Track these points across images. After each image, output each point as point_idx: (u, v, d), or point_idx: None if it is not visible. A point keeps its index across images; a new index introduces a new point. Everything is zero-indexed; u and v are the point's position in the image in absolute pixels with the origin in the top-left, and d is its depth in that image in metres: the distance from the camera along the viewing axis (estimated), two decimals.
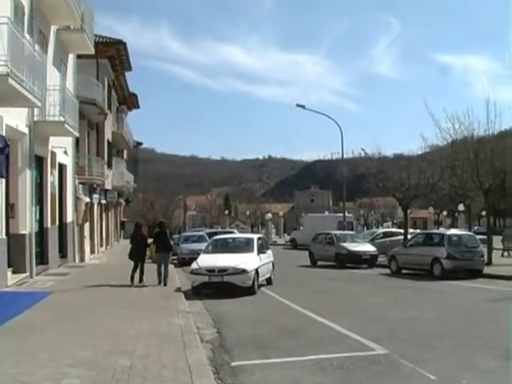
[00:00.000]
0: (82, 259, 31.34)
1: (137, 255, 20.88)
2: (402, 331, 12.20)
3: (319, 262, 33.54)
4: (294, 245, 55.64)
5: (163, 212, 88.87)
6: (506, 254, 39.06)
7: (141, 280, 20.36)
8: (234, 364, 9.30)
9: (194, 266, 19.61)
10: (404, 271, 27.27)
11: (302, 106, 45.96)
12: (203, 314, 14.91)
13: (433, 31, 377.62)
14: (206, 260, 19.89)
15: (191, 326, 12.14)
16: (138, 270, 20.65)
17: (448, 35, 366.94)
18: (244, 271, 18.78)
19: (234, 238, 25.12)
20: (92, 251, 36.05)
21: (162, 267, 20.50)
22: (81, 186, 31.58)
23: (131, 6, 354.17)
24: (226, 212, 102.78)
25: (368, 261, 31.50)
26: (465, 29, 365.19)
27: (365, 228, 79.48)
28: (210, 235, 33.72)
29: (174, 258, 32.61)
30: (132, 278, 20.15)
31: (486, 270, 25.95)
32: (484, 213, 56.05)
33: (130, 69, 47.57)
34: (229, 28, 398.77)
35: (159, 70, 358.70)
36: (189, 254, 31.16)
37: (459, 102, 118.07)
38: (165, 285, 20.01)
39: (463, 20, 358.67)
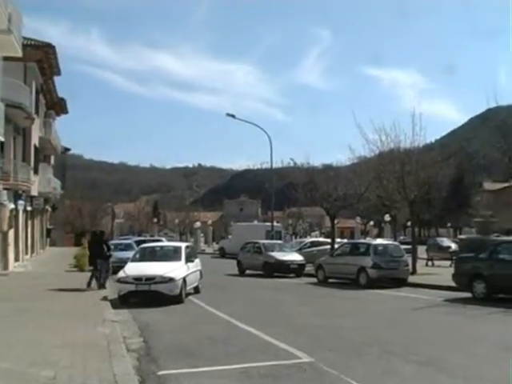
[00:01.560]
0: (5, 267, 30.54)
1: (94, 261, 22.31)
2: (328, 339, 12.36)
3: (247, 271, 33.63)
4: (222, 253, 55.59)
5: (91, 219, 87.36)
6: (429, 263, 40.07)
7: (100, 285, 21.85)
8: (160, 373, 9.22)
9: (120, 274, 19.38)
10: (331, 280, 27.56)
11: (232, 116, 46.15)
12: (130, 323, 14.75)
13: (363, 45, 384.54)
14: (133, 268, 19.67)
15: (117, 335, 12.00)
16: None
17: (377, 49, 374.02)
18: (171, 280, 18.67)
19: (161, 247, 24.95)
20: (16, 259, 35.14)
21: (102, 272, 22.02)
22: (5, 191, 30.76)
23: (62, 8, 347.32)
24: (155, 220, 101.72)
25: (296, 270, 31.70)
26: (393, 44, 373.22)
27: (293, 237, 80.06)
28: (138, 243, 33.37)
29: None
30: (89, 283, 21.63)
31: (411, 278, 26.53)
32: (409, 223, 57.24)
33: (59, 73, 46.63)
34: (162, 35, 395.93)
35: (89, 75, 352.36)
36: (116, 263, 30.72)
37: (387, 115, 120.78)
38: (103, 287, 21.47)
39: (391, 35, 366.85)
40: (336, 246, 34.14)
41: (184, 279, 19.33)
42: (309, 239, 49.88)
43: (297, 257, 32.97)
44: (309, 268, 31.70)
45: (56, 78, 48.53)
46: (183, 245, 23.28)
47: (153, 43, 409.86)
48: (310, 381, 8.78)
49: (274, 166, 50.02)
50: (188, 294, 20.22)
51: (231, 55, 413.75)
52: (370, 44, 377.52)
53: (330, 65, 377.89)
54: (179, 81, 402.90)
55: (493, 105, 27.05)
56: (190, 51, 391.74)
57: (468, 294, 20.38)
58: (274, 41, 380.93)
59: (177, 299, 18.69)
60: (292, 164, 48.59)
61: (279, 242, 40.34)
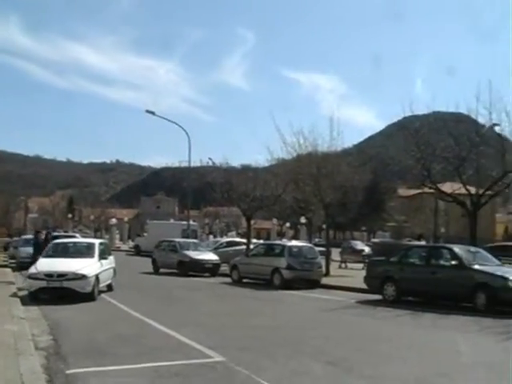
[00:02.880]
0: None
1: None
2: (240, 339, 12.42)
3: (162, 270, 33.44)
4: (137, 251, 55.17)
5: (3, 213, 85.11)
6: (343, 265, 40.84)
7: None
8: (68, 372, 9.04)
9: (31, 270, 18.91)
10: (245, 280, 27.71)
11: (152, 113, 45.80)
12: (39, 320, 14.41)
13: (285, 48, 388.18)
14: (44, 264, 19.21)
15: (25, 333, 11.72)
16: None
17: (299, 53, 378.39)
18: (84, 277, 18.35)
19: (75, 243, 24.46)
20: None
21: None
22: None
23: None
24: (70, 215, 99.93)
25: (210, 269, 31.74)
26: (315, 49, 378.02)
27: (209, 237, 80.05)
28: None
29: (13, 261, 31.40)
30: None
31: (324, 280, 26.96)
32: (324, 226, 58.12)
33: None
34: (82, 27, 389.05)
35: (5, 64, 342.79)
36: (27, 258, 30.05)
37: (306, 118, 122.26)
38: None
39: (313, 40, 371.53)
40: (252, 246, 34.35)
41: (97, 276, 19.04)
42: (225, 239, 50.01)
43: (212, 256, 32.99)
44: (224, 268, 31.76)
45: None
46: (97, 241, 22.93)
47: (72, 34, 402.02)
48: (221, 380, 8.80)
49: (193, 165, 50.17)
50: (101, 292, 19.90)
51: (154, 51, 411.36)
52: (292, 48, 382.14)
53: (253, 66, 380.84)
54: (98, 74, 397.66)
55: (408, 113, 27.74)
56: (111, 45, 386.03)
57: (379, 297, 20.87)
58: (199, 39, 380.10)
59: (89, 297, 18.38)
60: (211, 163, 48.80)
61: (195, 240, 40.27)
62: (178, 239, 36.50)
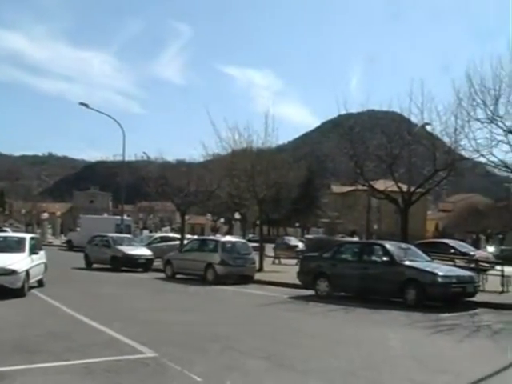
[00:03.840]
0: None
1: None
2: (173, 335, 12.36)
3: (95, 265, 33.07)
4: (70, 246, 54.27)
5: None
6: (276, 261, 40.98)
7: None
8: None
9: None
10: (179, 276, 27.63)
11: (86, 105, 45.03)
12: None
13: (221, 43, 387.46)
14: None
15: None
16: None
17: (235, 49, 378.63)
18: (13, 272, 17.91)
19: (4, 237, 23.87)
20: None
21: None
22: None
23: None
24: (0, 209, 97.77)
25: (144, 265, 31.57)
26: (249, 44, 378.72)
27: (144, 232, 79.48)
28: None
29: None
30: None
31: (257, 276, 27.11)
32: (258, 221, 58.38)
33: None
34: (11, 13, 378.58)
35: None
36: None
37: (241, 114, 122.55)
38: None
39: (249, 36, 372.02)
40: (185, 241, 34.27)
41: (27, 272, 18.62)
42: (158, 234, 49.73)
43: (145, 251, 32.82)
44: (157, 263, 31.59)
45: None
46: (27, 236, 22.41)
47: (2, 21, 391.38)
48: (153, 376, 8.74)
49: (128, 159, 49.52)
50: (31, 288, 19.51)
51: (89, 42, 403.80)
52: (228, 43, 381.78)
53: (189, 60, 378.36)
54: (30, 64, 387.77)
55: (343, 111, 28.11)
56: (44, 33, 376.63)
57: (312, 292, 21.09)
58: (135, 31, 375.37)
59: (19, 292, 17.94)
60: (145, 158, 48.38)
61: (128, 236, 39.88)
62: (111, 234, 36.11)
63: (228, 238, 35.21)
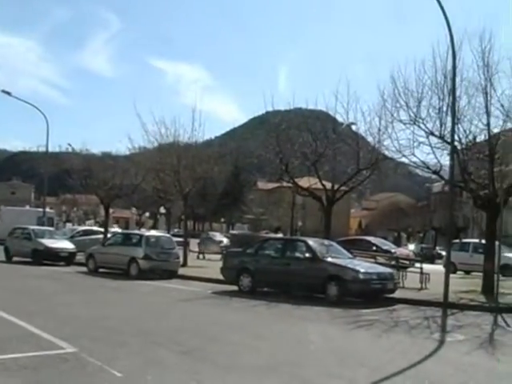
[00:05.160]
0: None
1: None
2: (94, 330, 12.20)
3: (15, 258, 32.36)
4: None
5: None
6: (201, 256, 41.05)
7: None
8: None
9: None
10: (102, 270, 27.32)
11: (8, 93, 43.88)
12: None
13: (151, 35, 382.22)
14: None
15: None
16: None
17: (164, 42, 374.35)
18: None
19: None
20: None
21: None
22: None
23: None
24: None
25: (66, 258, 31.12)
26: (179, 37, 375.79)
27: (67, 225, 78.19)
28: None
29: None
30: None
31: (181, 271, 27.06)
32: (184, 216, 58.25)
33: None
34: None
35: None
36: None
37: (169, 108, 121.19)
38: None
39: (179, 29, 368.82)
40: (109, 235, 33.91)
41: None
42: (81, 227, 48.97)
43: (68, 245, 32.33)
44: (80, 257, 31.16)
45: None
46: None
47: None
48: (72, 371, 8.60)
49: (52, 150, 48.71)
50: None
51: (13, 29, 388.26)
52: (157, 36, 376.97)
53: (117, 52, 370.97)
54: None
55: (270, 108, 28.34)
56: None
57: (235, 287, 21.16)
58: (62, 19, 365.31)
59: None
60: (70, 149, 47.58)
61: (50, 228, 39.12)
62: (32, 227, 35.35)
63: (152, 232, 35.04)
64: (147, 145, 35.00)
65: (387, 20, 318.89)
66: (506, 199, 20.50)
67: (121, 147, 43.18)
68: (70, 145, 47.79)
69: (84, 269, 28.15)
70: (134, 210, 70.86)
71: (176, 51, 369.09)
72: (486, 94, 20.19)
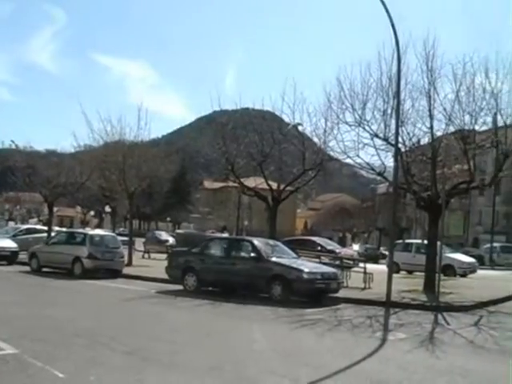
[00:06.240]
0: None
1: None
2: (36, 330, 12.04)
3: None
4: None
5: None
6: (146, 255, 40.83)
7: None
8: None
9: None
10: (45, 269, 26.96)
11: None
12: None
13: (97, 31, 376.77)
14: None
15: None
16: None
17: (110, 38, 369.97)
18: None
19: None
20: None
21: None
22: None
23: None
24: None
25: (8, 257, 30.51)
26: (125, 34, 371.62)
27: (9, 223, 76.83)
28: None
29: None
30: None
31: (126, 270, 26.91)
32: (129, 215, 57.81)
33: None
34: None
35: None
36: None
37: (115, 106, 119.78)
38: None
39: (125, 25, 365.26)
40: (53, 234, 33.49)
41: None
42: (24, 226, 48.19)
43: (10, 243, 31.72)
44: (23, 256, 30.64)
45: None
46: None
47: None
48: (13, 373, 8.47)
49: None
50: None
51: None
52: (103, 31, 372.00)
53: (62, 47, 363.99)
54: None
55: (217, 108, 28.35)
56: None
57: (180, 287, 21.12)
58: (4, 13, 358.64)
59: None
60: (13, 146, 46.77)
61: None
62: None
63: (97, 231, 34.70)
64: (93, 143, 34.69)
65: (335, 19, 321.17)
66: (448, 201, 20.97)
67: (66, 145, 42.63)
68: (13, 141, 46.96)
69: (27, 268, 27.72)
70: (78, 208, 69.98)
71: (122, 48, 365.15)
72: (430, 97, 20.61)
